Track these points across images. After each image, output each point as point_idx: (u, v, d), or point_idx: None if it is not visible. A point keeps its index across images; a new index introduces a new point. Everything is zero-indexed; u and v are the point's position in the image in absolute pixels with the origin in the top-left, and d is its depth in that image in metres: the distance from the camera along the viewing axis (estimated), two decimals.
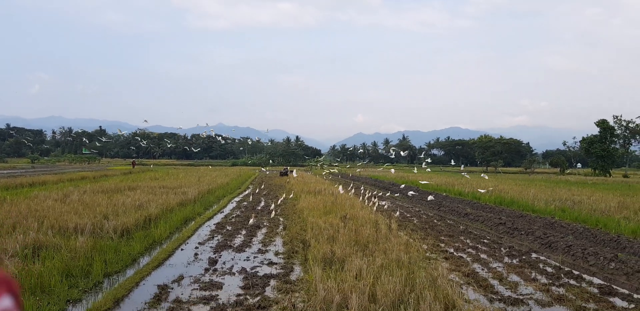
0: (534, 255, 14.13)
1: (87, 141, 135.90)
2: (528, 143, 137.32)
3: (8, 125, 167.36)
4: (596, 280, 11.50)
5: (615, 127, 79.73)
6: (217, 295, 9.39)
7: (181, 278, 10.57)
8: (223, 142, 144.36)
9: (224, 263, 12.14)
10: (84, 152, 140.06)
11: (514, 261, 13.18)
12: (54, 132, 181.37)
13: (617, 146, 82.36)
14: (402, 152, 37.65)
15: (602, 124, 78.91)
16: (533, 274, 11.72)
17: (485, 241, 16.32)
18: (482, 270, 12.09)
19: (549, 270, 12.31)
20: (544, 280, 11.19)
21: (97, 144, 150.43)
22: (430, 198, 25.39)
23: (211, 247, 14.02)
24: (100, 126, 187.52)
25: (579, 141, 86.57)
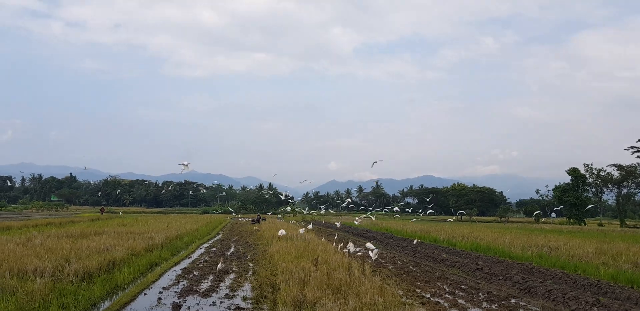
0: (513, 300, 13.66)
1: (56, 189, 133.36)
2: (501, 192, 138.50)
3: None
4: None
5: (587, 176, 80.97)
6: None
7: None
8: (202, 190, 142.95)
9: (188, 308, 11.42)
10: (52, 199, 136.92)
11: (493, 306, 12.69)
12: (23, 179, 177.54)
13: (590, 195, 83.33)
14: (396, 209, 37.43)
15: (573, 172, 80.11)
16: None
17: (462, 286, 15.80)
18: None
19: None
20: None
21: (66, 191, 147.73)
22: (415, 241, 25.06)
23: (176, 292, 13.26)
24: (70, 173, 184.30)
25: (552, 190, 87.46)
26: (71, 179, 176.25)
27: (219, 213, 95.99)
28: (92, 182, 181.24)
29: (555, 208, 76.13)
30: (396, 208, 32.77)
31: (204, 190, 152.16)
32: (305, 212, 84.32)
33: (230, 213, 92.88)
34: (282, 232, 25.38)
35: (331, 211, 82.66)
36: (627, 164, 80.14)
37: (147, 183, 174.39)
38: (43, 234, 24.57)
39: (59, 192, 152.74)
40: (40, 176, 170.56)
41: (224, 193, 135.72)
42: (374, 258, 18.66)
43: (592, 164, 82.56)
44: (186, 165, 22.31)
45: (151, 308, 11.33)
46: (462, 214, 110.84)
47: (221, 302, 12.13)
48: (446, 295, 14.03)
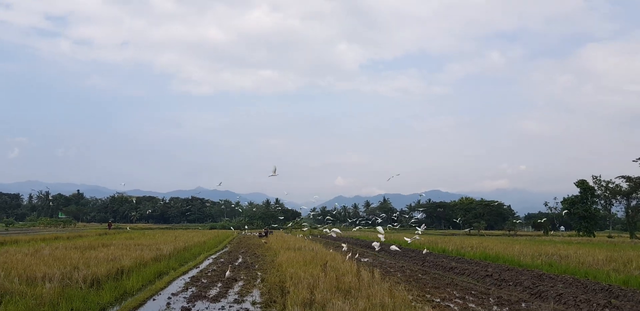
0: (523, 304, 13.53)
1: (63, 206, 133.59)
2: (509, 206, 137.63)
3: None
4: None
5: (595, 188, 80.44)
6: None
7: None
8: (208, 205, 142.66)
9: None
10: (60, 216, 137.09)
11: (504, 309, 12.59)
12: (30, 197, 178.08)
13: (599, 207, 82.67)
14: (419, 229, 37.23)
15: (581, 184, 79.63)
16: None
17: (472, 292, 15.68)
18: None
19: None
20: None
21: (74, 208, 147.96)
22: (425, 251, 25.00)
23: (185, 297, 13.23)
24: (78, 190, 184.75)
25: (560, 202, 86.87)
26: (78, 196, 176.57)
27: (228, 228, 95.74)
28: (99, 199, 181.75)
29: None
30: (420, 229, 32.88)
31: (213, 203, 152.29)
32: (311, 227, 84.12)
33: (238, 228, 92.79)
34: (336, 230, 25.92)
35: (338, 226, 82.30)
36: (635, 176, 79.59)
37: (154, 199, 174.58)
38: (51, 246, 24.62)
39: (66, 209, 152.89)
40: (47, 193, 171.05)
41: (233, 206, 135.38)
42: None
43: (600, 176, 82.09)
44: (274, 172, 23.92)
45: None
46: (470, 228, 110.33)
47: (230, 306, 12.09)
48: (456, 300, 13.93)
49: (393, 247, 27.02)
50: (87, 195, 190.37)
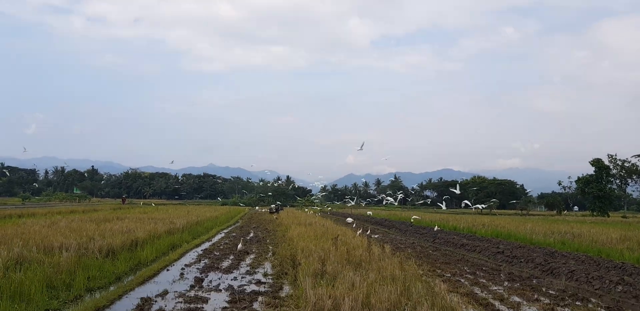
0: (535, 280, 13.57)
1: (78, 181, 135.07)
2: (522, 185, 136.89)
3: (2, 164, 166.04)
4: (603, 302, 10.95)
5: (611, 167, 79.29)
6: (202, 308, 8.84)
7: (165, 292, 10.01)
8: (220, 181, 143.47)
9: (210, 281, 11.57)
10: (75, 191, 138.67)
11: (515, 285, 12.62)
12: (46, 172, 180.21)
13: (614, 186, 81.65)
14: (392, 198, 37.32)
15: (597, 163, 78.62)
16: (535, 296, 11.17)
17: (483, 268, 15.74)
18: (482, 291, 11.53)
19: (552, 292, 11.76)
20: (547, 301, 10.64)
21: (88, 184, 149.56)
22: (435, 228, 25.26)
23: (198, 268, 13.42)
24: (92, 166, 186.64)
25: (575, 181, 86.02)
26: (93, 172, 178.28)
27: (240, 205, 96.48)
28: (113, 175, 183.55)
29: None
30: (391, 199, 33.03)
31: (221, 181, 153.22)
32: (322, 204, 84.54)
33: (250, 204, 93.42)
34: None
35: (349, 204, 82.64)
36: None
37: (167, 175, 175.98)
38: (67, 218, 24.96)
39: (81, 184, 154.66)
40: (63, 169, 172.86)
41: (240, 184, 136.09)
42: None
43: (616, 155, 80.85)
44: (362, 146, 26.27)
45: (174, 282, 11.48)
46: (479, 208, 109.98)
47: (242, 277, 12.24)
48: (467, 275, 14.00)
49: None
50: (101, 171, 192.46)
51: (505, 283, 12.80)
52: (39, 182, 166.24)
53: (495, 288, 12.09)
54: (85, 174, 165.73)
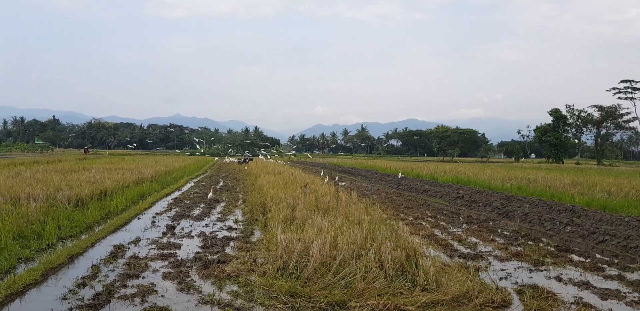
0: (491, 223, 14.37)
1: (39, 131, 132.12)
2: (484, 134, 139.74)
3: None
4: (553, 241, 11.74)
5: (568, 117, 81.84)
6: (176, 253, 9.20)
7: (138, 240, 10.32)
8: (187, 132, 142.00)
9: (182, 228, 11.92)
10: (36, 142, 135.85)
11: (473, 227, 13.36)
12: (5, 122, 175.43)
13: (570, 135, 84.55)
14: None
15: (554, 113, 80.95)
16: (491, 236, 11.89)
17: (444, 211, 16.52)
18: (442, 233, 12.20)
19: (507, 233, 12.53)
20: (502, 241, 11.37)
21: (50, 134, 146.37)
22: (399, 175, 25.80)
23: (169, 216, 13.74)
24: (53, 116, 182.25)
25: (533, 130, 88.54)
26: (54, 122, 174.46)
27: (207, 155, 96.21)
28: (76, 125, 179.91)
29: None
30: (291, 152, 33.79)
31: (188, 132, 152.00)
32: (290, 154, 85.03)
33: (218, 155, 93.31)
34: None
35: (316, 152, 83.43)
36: (608, 105, 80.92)
37: (132, 125, 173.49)
38: (31, 169, 24.75)
39: (42, 135, 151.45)
40: (22, 119, 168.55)
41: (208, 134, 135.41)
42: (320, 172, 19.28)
43: (573, 105, 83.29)
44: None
45: (146, 229, 11.78)
46: (444, 155, 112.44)
47: (214, 224, 12.63)
48: (428, 218, 14.71)
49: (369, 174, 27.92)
50: (63, 121, 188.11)
51: (464, 226, 13.53)
52: None
53: (455, 230, 12.80)
54: (47, 125, 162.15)
